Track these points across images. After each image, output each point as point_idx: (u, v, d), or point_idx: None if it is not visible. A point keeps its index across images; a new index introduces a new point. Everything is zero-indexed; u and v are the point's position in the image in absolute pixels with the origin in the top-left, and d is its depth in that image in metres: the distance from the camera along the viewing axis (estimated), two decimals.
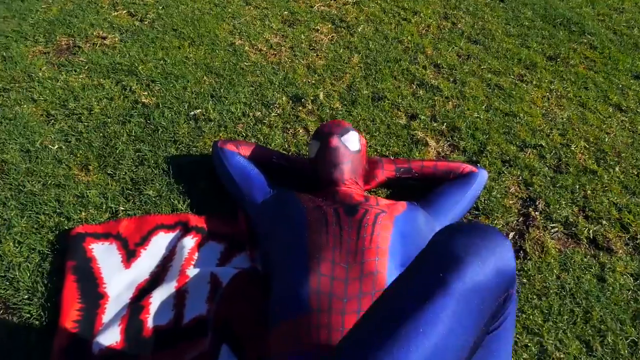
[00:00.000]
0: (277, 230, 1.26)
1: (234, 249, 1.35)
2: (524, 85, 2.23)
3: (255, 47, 2.28)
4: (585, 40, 2.65)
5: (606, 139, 1.95)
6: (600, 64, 2.47)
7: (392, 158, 1.67)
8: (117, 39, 2.23)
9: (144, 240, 1.33)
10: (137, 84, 1.97)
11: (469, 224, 0.82)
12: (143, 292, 1.23)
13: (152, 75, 2.01)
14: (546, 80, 2.28)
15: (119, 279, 1.25)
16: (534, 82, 2.26)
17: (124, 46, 2.18)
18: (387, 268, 1.10)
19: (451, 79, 2.21)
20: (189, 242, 1.32)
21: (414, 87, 2.13)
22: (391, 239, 1.17)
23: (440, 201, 1.42)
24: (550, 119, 2.04)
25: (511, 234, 1.54)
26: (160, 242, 1.34)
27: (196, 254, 1.31)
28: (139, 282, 1.25)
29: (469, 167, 1.54)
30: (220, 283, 1.21)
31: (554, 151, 1.86)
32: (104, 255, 1.29)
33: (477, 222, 0.87)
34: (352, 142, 1.45)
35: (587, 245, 1.55)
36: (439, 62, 2.30)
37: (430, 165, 1.55)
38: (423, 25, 2.61)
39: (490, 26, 2.67)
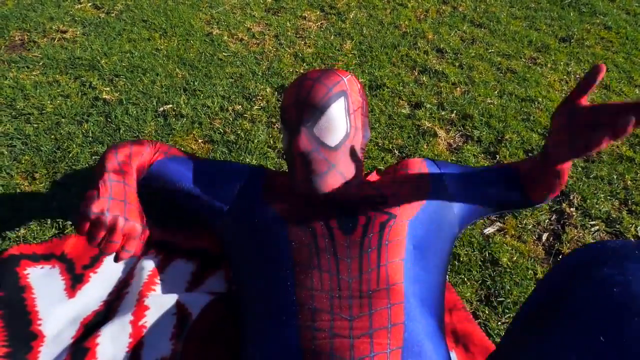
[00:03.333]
0: (252, 257, 0.88)
1: (208, 268, 1.08)
2: (538, 68, 1.99)
3: (235, 36, 2.02)
4: (598, 21, 2.42)
5: None
6: (618, 45, 2.23)
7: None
8: (78, 33, 1.97)
9: (95, 262, 1.06)
10: (98, 79, 1.70)
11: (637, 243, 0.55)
12: (90, 328, 0.95)
13: (116, 69, 1.75)
14: (562, 63, 2.04)
15: (59, 312, 0.97)
16: (549, 65, 2.01)
17: (86, 40, 1.92)
18: (404, 315, 0.77)
19: (457, 64, 1.96)
20: (151, 261, 1.05)
21: (416, 73, 1.88)
22: (405, 266, 0.82)
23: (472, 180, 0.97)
24: None
25: (545, 235, 1.29)
26: (114, 263, 1.06)
27: (159, 277, 1.03)
28: (85, 316, 0.98)
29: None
30: (189, 315, 0.94)
31: None
32: (43, 282, 1.02)
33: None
34: (332, 130, 0.92)
35: None
36: (441, 46, 2.06)
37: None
38: (421, 10, 2.37)
39: (493, 9, 2.44)
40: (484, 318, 1.09)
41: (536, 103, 1.75)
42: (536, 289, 0.66)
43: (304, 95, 0.92)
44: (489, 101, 1.74)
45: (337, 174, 0.92)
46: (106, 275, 1.04)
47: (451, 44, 2.09)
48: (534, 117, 1.68)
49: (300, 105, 0.91)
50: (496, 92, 1.81)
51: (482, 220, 1.30)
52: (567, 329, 0.52)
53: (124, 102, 1.60)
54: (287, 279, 0.81)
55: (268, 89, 1.71)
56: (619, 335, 0.47)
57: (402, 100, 1.72)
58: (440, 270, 0.90)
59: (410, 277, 0.81)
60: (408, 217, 0.88)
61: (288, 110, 0.95)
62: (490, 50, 2.07)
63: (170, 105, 1.60)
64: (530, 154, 1.52)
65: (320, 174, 0.90)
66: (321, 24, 2.17)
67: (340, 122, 0.93)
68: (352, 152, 0.95)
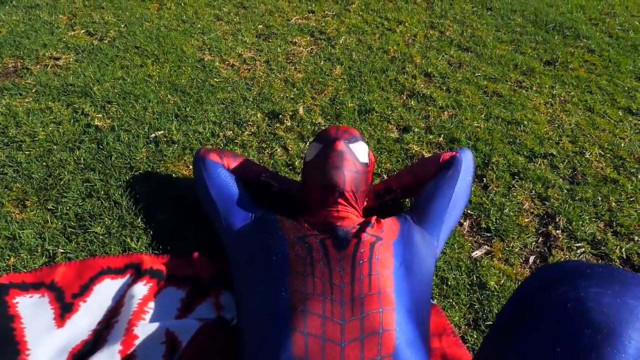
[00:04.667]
0: (252, 270, 0.98)
1: (198, 295, 1.08)
2: (524, 91, 2.03)
3: (226, 62, 2.05)
4: (582, 44, 2.48)
5: (622, 145, 1.74)
6: (601, 67, 2.29)
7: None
8: (71, 59, 1.99)
9: (85, 290, 1.07)
10: (90, 105, 1.72)
11: (596, 268, 0.60)
12: (78, 358, 0.95)
13: (109, 95, 1.77)
14: (547, 86, 2.09)
15: (48, 342, 0.97)
16: (534, 88, 2.06)
17: (79, 66, 1.95)
18: (395, 322, 0.82)
19: (444, 88, 2.00)
20: (141, 289, 1.05)
21: (404, 97, 1.92)
22: (394, 278, 0.90)
23: (431, 208, 1.15)
24: (557, 125, 1.83)
25: (532, 258, 1.30)
26: (104, 292, 1.07)
27: (150, 304, 1.04)
28: (74, 346, 0.98)
29: (448, 154, 1.28)
30: (178, 343, 0.94)
31: (566, 160, 1.64)
32: (32, 311, 1.02)
33: (604, 265, 0.68)
34: (360, 152, 1.19)
35: (621, 267, 1.31)
36: (429, 70, 2.10)
37: (407, 173, 1.32)
38: (409, 34, 2.43)
39: (480, 33, 2.49)
40: (472, 342, 1.10)
41: (522, 126, 1.79)
42: (504, 307, 0.74)
43: (344, 128, 1.23)
44: (476, 124, 1.78)
45: (355, 180, 1.12)
46: (96, 304, 1.05)
47: (439, 68, 2.13)
48: (519, 140, 1.71)
49: (342, 131, 1.21)
50: (483, 115, 1.84)
51: (470, 244, 1.32)
52: (530, 341, 0.59)
53: (116, 129, 1.61)
54: (283, 285, 0.88)
55: (259, 115, 1.74)
56: (574, 345, 0.54)
57: (391, 124, 1.76)
58: (426, 282, 1.01)
59: (399, 288, 0.90)
60: (391, 240, 1.00)
61: (329, 130, 1.22)
62: (476, 74, 2.11)
63: (162, 132, 1.62)
64: (516, 177, 1.55)
65: (347, 170, 1.11)
66: (311, 49, 2.21)
67: (364, 154, 1.20)
68: (364, 180, 1.17)
